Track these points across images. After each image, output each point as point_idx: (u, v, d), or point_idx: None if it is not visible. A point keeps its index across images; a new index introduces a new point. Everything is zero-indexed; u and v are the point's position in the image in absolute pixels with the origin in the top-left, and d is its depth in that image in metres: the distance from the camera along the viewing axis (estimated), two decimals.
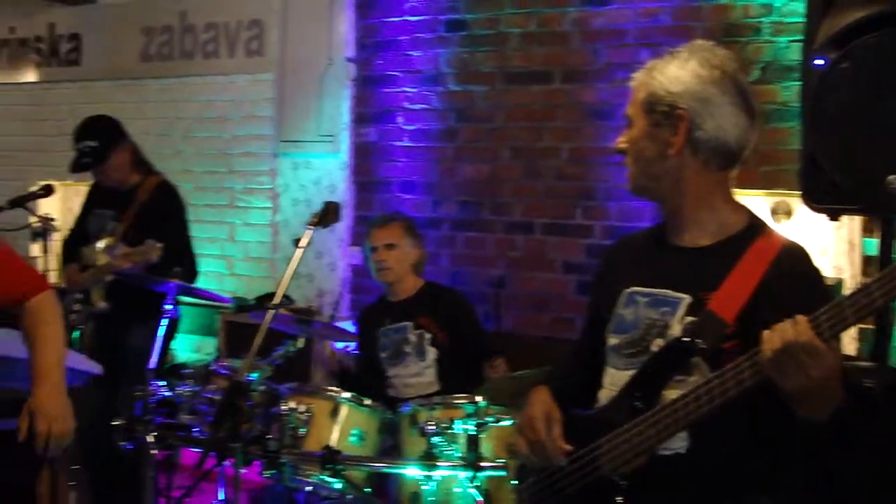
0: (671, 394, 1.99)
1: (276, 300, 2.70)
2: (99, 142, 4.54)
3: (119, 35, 6.65)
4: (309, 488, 3.46)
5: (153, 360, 3.90)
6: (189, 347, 6.14)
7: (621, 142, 2.16)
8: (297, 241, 2.71)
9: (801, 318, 1.74)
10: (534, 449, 2.25)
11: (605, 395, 2.20)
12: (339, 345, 4.91)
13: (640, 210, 4.73)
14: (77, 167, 4.59)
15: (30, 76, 7.19)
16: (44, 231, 3.91)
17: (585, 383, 2.30)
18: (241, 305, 3.89)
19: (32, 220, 4.01)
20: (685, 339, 1.99)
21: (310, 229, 2.75)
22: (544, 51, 5.02)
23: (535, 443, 2.23)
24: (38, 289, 3.03)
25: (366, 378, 4.38)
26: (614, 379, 2.17)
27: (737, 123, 2.04)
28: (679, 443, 2.00)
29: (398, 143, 5.44)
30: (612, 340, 2.19)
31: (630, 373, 2.10)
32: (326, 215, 2.74)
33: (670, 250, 2.16)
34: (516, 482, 2.60)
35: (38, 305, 3.01)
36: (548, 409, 2.26)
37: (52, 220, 3.94)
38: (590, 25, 4.93)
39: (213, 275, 6.04)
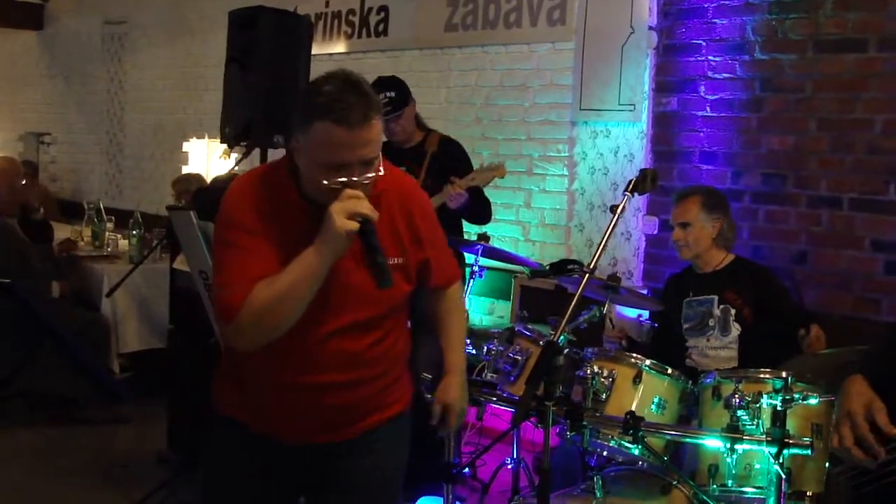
0: None
1: (591, 266, 2.74)
2: (396, 93, 4.90)
3: (425, 6, 6.88)
4: (605, 452, 3.52)
5: None
6: (482, 309, 6.35)
7: None
8: (613, 208, 2.73)
9: None
10: (853, 442, 2.20)
11: None
12: (633, 313, 4.94)
13: None
14: None
15: (340, 47, 7.58)
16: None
17: None
18: (544, 271, 3.99)
19: None
20: None
21: (626, 195, 2.77)
22: (860, 17, 4.76)
23: (855, 437, 2.18)
24: (458, 275, 2.96)
25: (660, 348, 4.38)
26: None
27: None
28: None
29: (699, 113, 5.34)
30: None
31: None
32: (644, 182, 2.74)
33: None
34: (830, 465, 2.55)
35: (456, 294, 2.95)
36: (868, 400, 2.21)
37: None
38: None
39: (509, 240, 6.20)
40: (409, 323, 2.82)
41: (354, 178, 2.35)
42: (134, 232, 6.74)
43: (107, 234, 7.26)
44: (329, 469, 2.70)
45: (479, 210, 4.98)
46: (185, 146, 8.32)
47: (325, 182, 2.35)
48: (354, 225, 2.33)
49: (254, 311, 2.37)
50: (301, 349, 2.51)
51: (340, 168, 2.35)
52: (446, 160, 4.96)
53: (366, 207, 2.35)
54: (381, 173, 2.42)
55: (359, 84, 2.37)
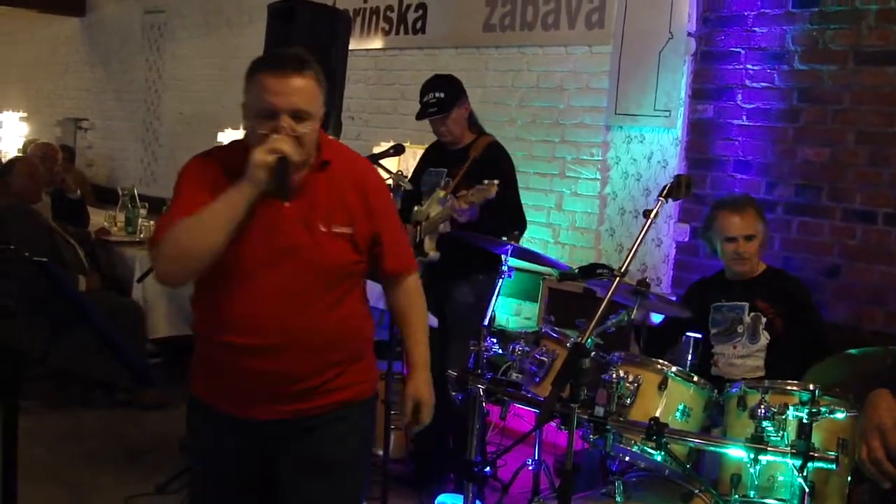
0: None
1: (622, 269, 2.74)
2: (445, 94, 4.85)
3: (463, 5, 6.88)
4: (627, 457, 3.52)
5: (486, 318, 4.07)
6: (509, 310, 6.35)
7: None
8: (647, 213, 2.73)
9: None
10: (884, 454, 2.18)
11: None
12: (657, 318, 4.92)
13: None
14: (422, 115, 4.89)
15: (377, 43, 7.59)
16: (397, 186, 4.16)
17: None
18: (573, 274, 3.98)
19: (385, 176, 4.28)
20: None
21: (660, 201, 2.76)
22: None
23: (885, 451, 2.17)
24: (414, 265, 3.00)
25: (659, 342, 4.37)
26: None
27: None
28: None
29: (735, 122, 5.31)
30: None
31: None
32: (678, 188, 2.74)
33: None
34: (852, 482, 2.53)
35: (415, 285, 2.97)
36: None
37: (404, 176, 4.18)
38: None
39: (539, 242, 6.19)
40: (366, 307, 2.88)
41: (283, 126, 2.53)
42: None
43: (140, 220, 7.32)
44: (279, 451, 2.76)
45: (498, 225, 4.61)
46: (220, 136, 8.37)
47: (259, 131, 2.56)
48: (272, 158, 2.49)
49: (173, 233, 2.56)
50: (232, 305, 2.64)
51: (272, 116, 2.55)
52: (484, 167, 4.79)
53: (286, 145, 2.51)
54: (312, 133, 2.59)
55: (295, 50, 2.69)
